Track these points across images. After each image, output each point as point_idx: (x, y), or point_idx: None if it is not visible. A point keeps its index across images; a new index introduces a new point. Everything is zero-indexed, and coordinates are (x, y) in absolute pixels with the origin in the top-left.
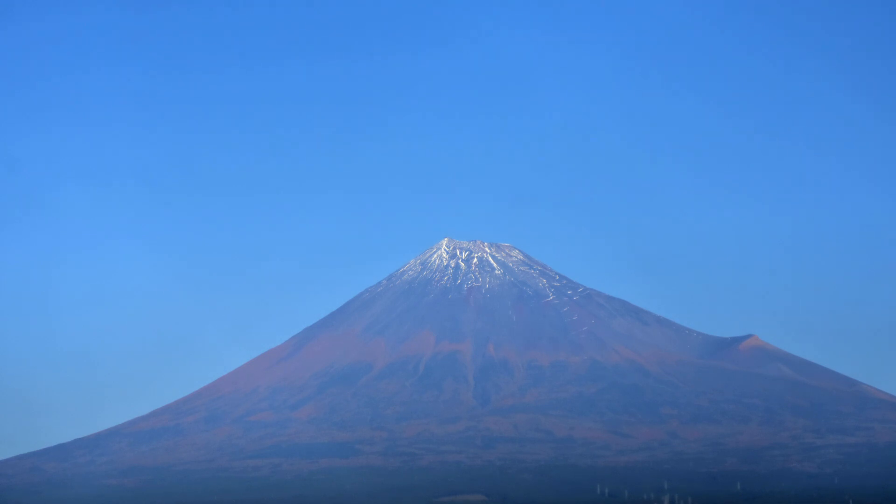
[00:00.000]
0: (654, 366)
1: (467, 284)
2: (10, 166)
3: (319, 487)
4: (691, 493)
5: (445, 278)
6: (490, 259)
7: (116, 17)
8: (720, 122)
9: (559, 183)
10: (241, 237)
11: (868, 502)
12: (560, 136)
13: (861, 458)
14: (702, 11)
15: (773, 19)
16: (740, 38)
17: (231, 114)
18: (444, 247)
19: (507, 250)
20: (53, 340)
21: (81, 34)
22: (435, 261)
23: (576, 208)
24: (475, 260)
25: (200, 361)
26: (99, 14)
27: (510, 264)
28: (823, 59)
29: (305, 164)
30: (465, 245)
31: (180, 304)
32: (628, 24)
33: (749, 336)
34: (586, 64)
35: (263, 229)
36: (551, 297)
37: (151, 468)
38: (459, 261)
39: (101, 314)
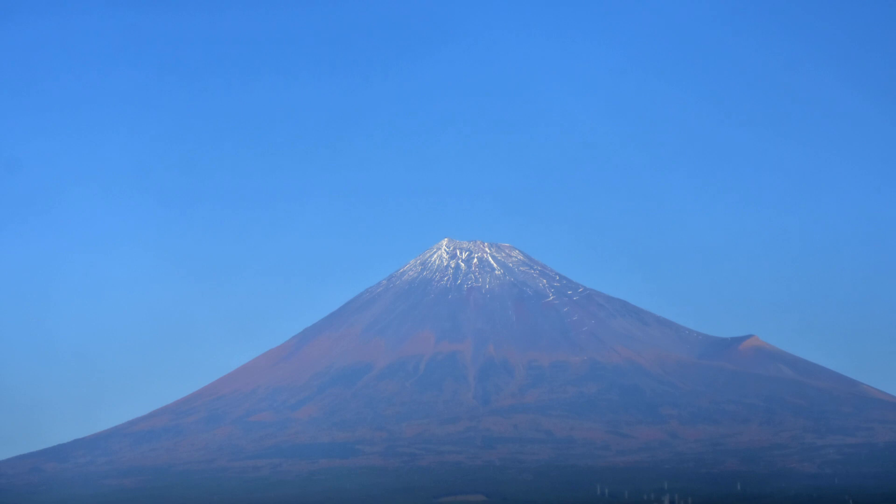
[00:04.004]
0: (654, 366)
1: (467, 284)
2: (11, 167)
3: (319, 487)
4: (691, 493)
5: (445, 278)
6: (490, 259)
7: (121, 21)
8: (720, 123)
9: (559, 183)
10: (242, 238)
11: (868, 502)
12: (560, 137)
13: (861, 458)
14: (699, 13)
15: (772, 22)
16: (740, 40)
17: (232, 116)
18: (444, 247)
19: (507, 250)
20: (54, 341)
21: (84, 37)
22: (435, 261)
23: (576, 208)
24: (475, 260)
25: (200, 361)
26: (103, 17)
27: (510, 264)
28: (823, 59)
29: (306, 164)
30: (465, 245)
31: (180, 305)
32: (626, 26)
33: (749, 336)
34: (586, 65)
35: (264, 229)
36: (551, 297)
37: (151, 468)
38: (459, 261)
39: (101, 314)
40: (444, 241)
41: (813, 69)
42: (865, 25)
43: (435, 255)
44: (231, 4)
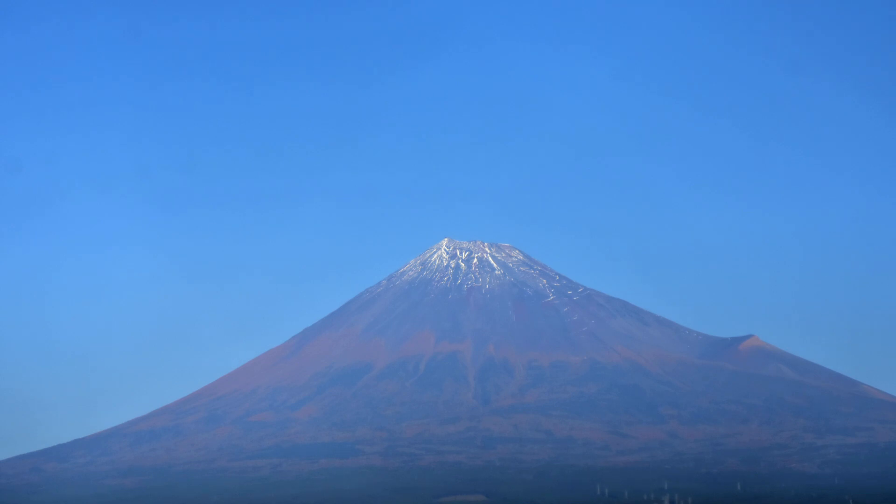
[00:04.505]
0: (654, 366)
1: (467, 284)
2: (12, 168)
3: (319, 487)
4: (691, 493)
5: (445, 278)
6: (490, 259)
7: (122, 23)
8: (719, 123)
9: (559, 183)
10: (242, 238)
11: (868, 502)
12: (560, 138)
13: (861, 458)
14: (698, 17)
15: (770, 27)
16: (739, 43)
17: (232, 117)
18: (444, 247)
19: (507, 250)
20: (54, 341)
21: (85, 39)
22: (435, 261)
23: (576, 209)
24: (475, 260)
25: (200, 361)
26: (105, 19)
27: (510, 264)
28: (822, 62)
29: (306, 165)
30: (465, 245)
31: (180, 305)
32: (625, 29)
33: (749, 336)
34: (586, 67)
35: (264, 230)
36: (551, 297)
37: (151, 468)
38: (459, 261)
39: (101, 315)
40: (444, 241)
41: (813, 72)
42: (861, 29)
43: (435, 255)
44: (232, 7)
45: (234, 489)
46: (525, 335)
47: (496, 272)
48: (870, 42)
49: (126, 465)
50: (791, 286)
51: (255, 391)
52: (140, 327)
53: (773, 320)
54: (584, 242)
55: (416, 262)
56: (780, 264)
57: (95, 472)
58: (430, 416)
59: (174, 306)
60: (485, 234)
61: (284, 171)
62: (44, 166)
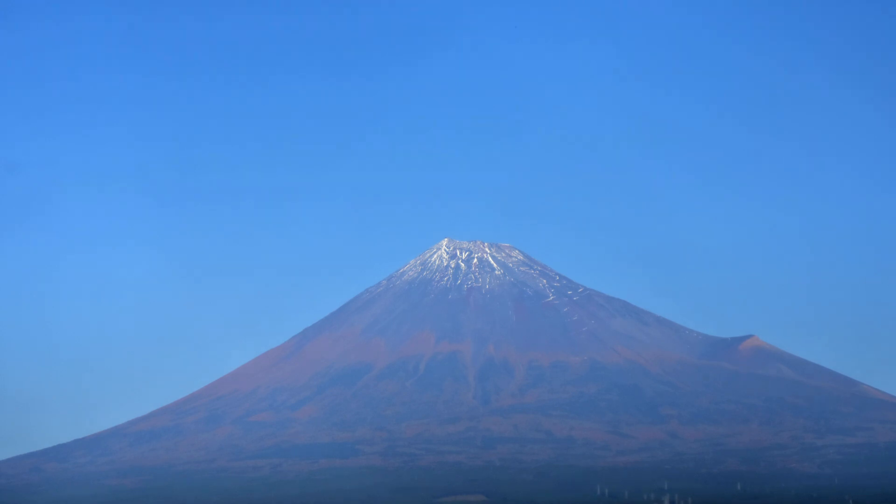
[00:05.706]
0: (654, 366)
1: (467, 284)
2: (11, 168)
3: (319, 487)
4: (691, 493)
5: (445, 278)
6: (490, 259)
7: (118, 22)
8: (719, 123)
9: (559, 183)
10: (242, 238)
11: (868, 502)
12: (560, 137)
13: (861, 458)
14: (697, 13)
15: (770, 23)
16: (740, 40)
17: (232, 116)
18: (444, 247)
19: (507, 250)
20: (53, 341)
21: (82, 38)
22: (435, 261)
23: (576, 208)
24: (475, 260)
25: (200, 361)
26: (101, 18)
27: (510, 264)
28: (821, 58)
29: (306, 165)
30: (465, 245)
31: (181, 305)
32: (625, 27)
33: (749, 336)
34: (586, 65)
35: (264, 229)
36: (551, 297)
37: (151, 468)
38: (459, 261)
39: (101, 315)
40: (444, 241)
41: (813, 70)
42: (862, 26)
43: (435, 255)
44: (230, 4)
45: (234, 489)
46: (525, 335)
47: (496, 272)
48: (873, 40)
49: (126, 465)
50: (791, 286)
51: (255, 391)
52: (140, 327)
53: (773, 320)
54: (584, 242)
55: (416, 262)
56: (779, 264)
57: (95, 472)
58: (430, 416)
59: (174, 306)
60: (485, 234)
61: (284, 171)
62: (43, 166)
